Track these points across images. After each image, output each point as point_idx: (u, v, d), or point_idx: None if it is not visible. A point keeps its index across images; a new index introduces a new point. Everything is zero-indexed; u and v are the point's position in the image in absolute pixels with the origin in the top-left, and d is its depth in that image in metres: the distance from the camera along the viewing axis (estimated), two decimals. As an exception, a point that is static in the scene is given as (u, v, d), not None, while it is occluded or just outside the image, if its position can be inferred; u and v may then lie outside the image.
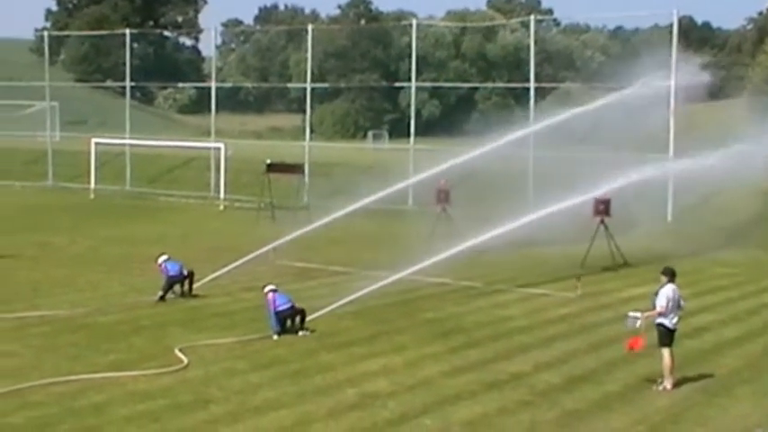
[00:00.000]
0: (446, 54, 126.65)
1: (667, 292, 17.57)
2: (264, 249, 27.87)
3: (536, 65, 47.56)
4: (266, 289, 21.89)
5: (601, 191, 29.30)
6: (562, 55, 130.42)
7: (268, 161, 46.65)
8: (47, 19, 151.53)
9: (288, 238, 28.54)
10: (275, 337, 21.09)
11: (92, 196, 53.87)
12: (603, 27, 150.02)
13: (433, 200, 36.73)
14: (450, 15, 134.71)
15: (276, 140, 79.54)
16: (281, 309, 21.39)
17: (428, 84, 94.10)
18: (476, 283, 27.41)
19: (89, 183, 55.40)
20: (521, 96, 53.83)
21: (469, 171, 33.88)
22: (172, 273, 24.96)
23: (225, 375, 18.21)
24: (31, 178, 58.23)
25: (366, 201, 28.87)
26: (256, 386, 17.55)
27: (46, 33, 79.71)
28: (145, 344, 20.54)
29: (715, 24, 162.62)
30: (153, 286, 25.11)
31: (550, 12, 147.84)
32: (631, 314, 17.96)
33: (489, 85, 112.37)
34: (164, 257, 25.29)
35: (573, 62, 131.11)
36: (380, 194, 29.28)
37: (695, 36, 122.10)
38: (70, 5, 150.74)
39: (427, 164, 35.14)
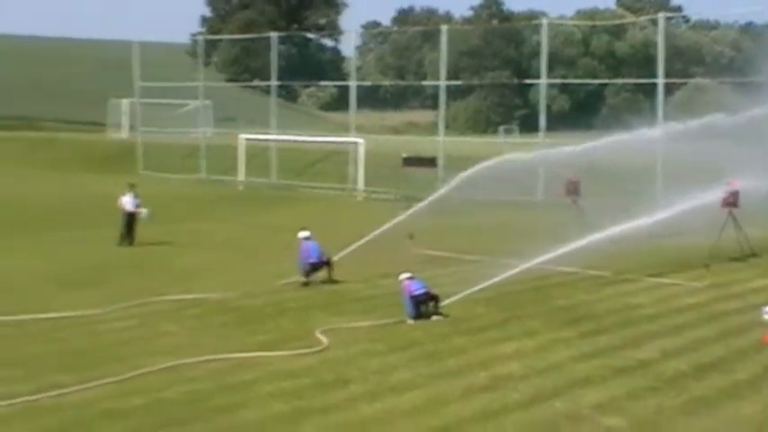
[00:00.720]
0: (576, 51, 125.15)
1: None
2: (378, 231, 27.91)
3: (665, 61, 46.37)
4: (402, 276, 21.92)
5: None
6: (691, 51, 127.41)
7: (404, 155, 46.73)
8: (201, 24, 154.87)
9: (397, 220, 28.50)
10: (410, 321, 21.10)
11: (240, 188, 54.83)
12: (734, 22, 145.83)
13: (562, 192, 36.18)
14: (580, 14, 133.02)
15: (412, 135, 79.70)
16: (416, 294, 21.38)
17: (558, 80, 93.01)
18: (604, 273, 26.91)
19: (238, 175, 56.42)
20: (650, 91, 52.59)
21: (600, 164, 33.22)
22: (312, 260, 25.24)
23: (363, 356, 18.29)
24: (186, 171, 59.53)
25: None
26: (393, 367, 17.57)
27: (200, 38, 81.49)
28: (289, 326, 20.80)
29: None
30: (297, 272, 25.40)
31: (679, 9, 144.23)
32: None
33: (618, 81, 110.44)
34: (305, 233, 25.62)
35: (702, 58, 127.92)
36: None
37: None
38: (223, 12, 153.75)
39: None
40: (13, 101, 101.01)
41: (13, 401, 15.21)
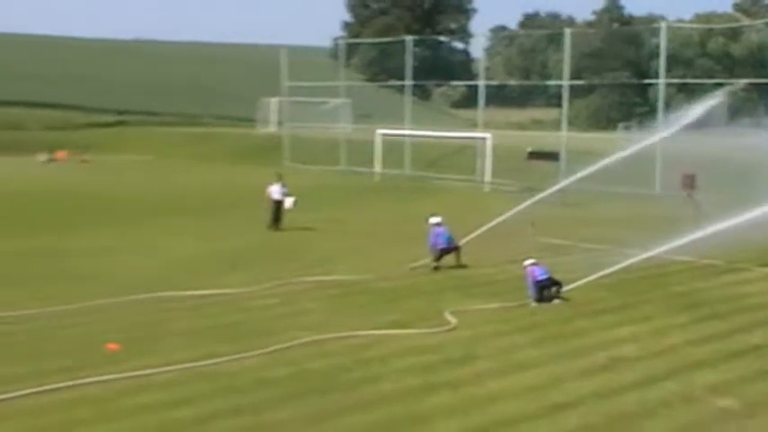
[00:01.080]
0: (693, 53, 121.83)
1: None
2: (501, 218, 27.51)
3: (780, 61, 44.75)
4: (527, 262, 21.80)
5: None
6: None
7: (529, 149, 46.31)
8: (343, 29, 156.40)
9: (520, 207, 28.07)
10: (534, 304, 20.97)
11: (377, 179, 55.17)
12: None
13: (678, 185, 35.32)
14: (698, 17, 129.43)
15: (536, 131, 78.89)
16: (540, 279, 21.25)
17: (676, 80, 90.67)
18: (717, 262, 26.20)
19: (375, 167, 56.81)
20: (765, 91, 50.92)
21: (718, 159, 32.31)
22: (442, 245, 25.30)
23: (490, 336, 18.25)
24: (327, 163, 60.18)
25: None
26: (517, 346, 17.52)
27: (342, 42, 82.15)
28: (420, 306, 20.84)
29: None
30: (428, 256, 25.46)
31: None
32: None
33: (733, 81, 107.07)
34: (435, 219, 25.72)
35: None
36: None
37: None
38: (362, 17, 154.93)
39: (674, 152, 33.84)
40: (176, 99, 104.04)
41: (175, 367, 15.74)
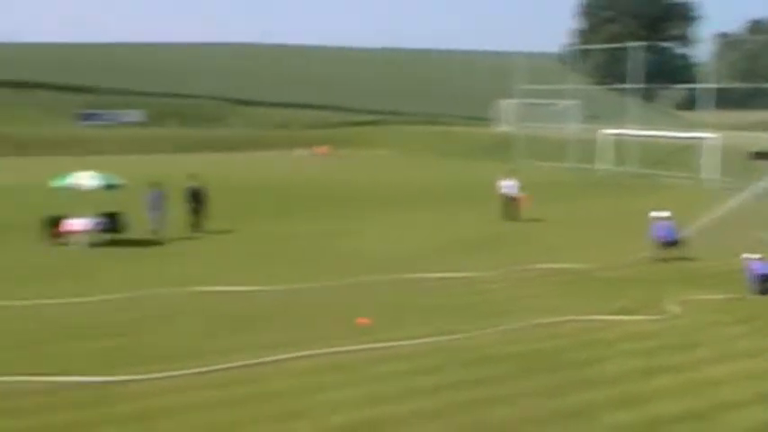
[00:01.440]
0: None
1: None
2: (719, 213, 26.11)
3: None
4: (748, 256, 20.84)
5: None
6: None
7: (754, 149, 43.92)
8: (574, 36, 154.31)
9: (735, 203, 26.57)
10: (753, 297, 19.99)
11: (600, 176, 53.95)
12: None
13: None
14: None
15: (759, 132, 74.63)
16: (761, 273, 20.24)
17: None
18: None
19: (600, 165, 55.59)
20: None
21: None
22: (665, 238, 24.58)
23: (709, 326, 17.61)
24: (555, 160, 59.35)
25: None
26: (736, 337, 16.83)
27: (573, 48, 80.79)
28: (642, 295, 20.33)
29: None
30: (651, 248, 24.74)
31: None
32: None
33: None
34: (659, 213, 25.05)
35: None
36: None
37: None
38: (592, 25, 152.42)
39: None
40: (419, 100, 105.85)
41: (418, 341, 16.11)
